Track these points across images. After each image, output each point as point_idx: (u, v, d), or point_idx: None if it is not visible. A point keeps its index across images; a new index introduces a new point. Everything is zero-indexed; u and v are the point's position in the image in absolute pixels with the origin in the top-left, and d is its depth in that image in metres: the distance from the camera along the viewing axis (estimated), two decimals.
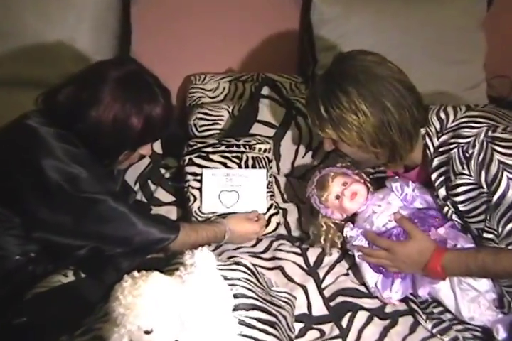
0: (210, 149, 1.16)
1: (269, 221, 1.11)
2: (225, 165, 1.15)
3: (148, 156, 1.18)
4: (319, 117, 0.92)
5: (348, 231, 1.01)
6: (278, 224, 1.13)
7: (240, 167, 1.14)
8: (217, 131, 1.28)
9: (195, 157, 1.15)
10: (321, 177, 1.06)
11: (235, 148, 1.17)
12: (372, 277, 0.98)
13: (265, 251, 1.06)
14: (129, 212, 0.86)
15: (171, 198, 1.19)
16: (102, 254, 0.85)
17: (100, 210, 0.84)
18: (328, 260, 1.03)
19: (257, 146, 1.18)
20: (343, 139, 0.91)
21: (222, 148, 1.17)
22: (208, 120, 1.29)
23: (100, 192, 0.84)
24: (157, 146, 1.23)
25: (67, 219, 0.82)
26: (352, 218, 1.04)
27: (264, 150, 1.18)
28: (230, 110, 1.30)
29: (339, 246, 1.04)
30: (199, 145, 1.17)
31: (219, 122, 1.28)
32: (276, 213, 1.14)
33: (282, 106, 1.26)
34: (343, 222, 1.04)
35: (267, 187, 1.14)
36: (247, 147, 1.17)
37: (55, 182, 0.81)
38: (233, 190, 1.10)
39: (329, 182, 1.03)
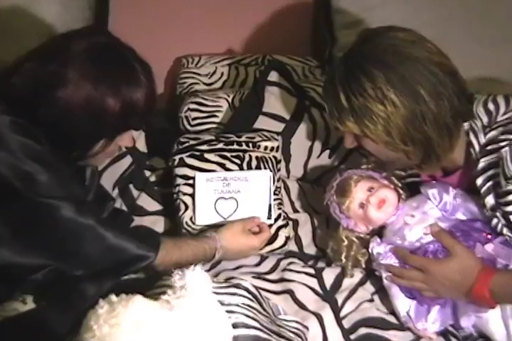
0: (205, 147, 1.16)
1: (276, 234, 1.11)
2: (223, 166, 1.15)
3: (130, 156, 1.19)
4: (338, 107, 0.92)
5: (375, 247, 1.01)
6: (287, 238, 1.12)
7: (241, 169, 1.14)
8: (214, 125, 1.28)
9: (187, 156, 1.15)
10: (341, 180, 1.06)
11: (235, 146, 1.16)
12: (403, 303, 0.97)
13: (271, 271, 1.06)
14: (97, 224, 0.83)
15: (157, 206, 1.20)
16: (66, 278, 0.82)
17: (58, 219, 0.80)
18: (348, 282, 1.03)
19: (263, 144, 1.18)
20: (367, 134, 0.92)
21: (220, 145, 1.17)
22: (202, 112, 1.29)
23: (60, 198, 0.81)
24: (141, 144, 1.24)
25: (12, 229, 0.78)
26: (379, 231, 1.04)
27: (271, 149, 1.18)
28: (230, 100, 1.30)
29: (363, 265, 1.04)
30: (192, 142, 1.17)
31: (216, 114, 1.29)
32: (285, 225, 1.13)
33: (293, 95, 1.26)
34: (368, 236, 1.05)
35: (274, 194, 1.13)
36: (251, 145, 1.17)
37: (4, 181, 0.78)
38: (231, 196, 1.10)
39: (352, 186, 1.03)
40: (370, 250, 1.02)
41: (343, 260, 1.04)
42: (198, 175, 1.08)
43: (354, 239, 1.05)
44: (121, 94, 0.85)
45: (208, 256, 0.97)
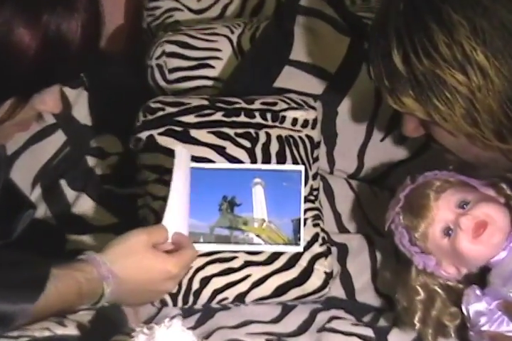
0: (191, 119, 1.14)
1: (309, 269, 1.10)
2: (221, 152, 1.13)
3: (63, 131, 1.18)
4: (390, 72, 0.93)
5: (472, 303, 1.01)
6: (328, 276, 1.11)
7: (252, 158, 1.13)
8: (208, 82, 1.28)
9: (161, 134, 1.13)
10: (414, 190, 1.06)
11: (243, 118, 1.15)
12: None
13: (301, 331, 1.06)
14: None
15: (108, 218, 1.19)
16: None
17: None
18: None
19: (290, 115, 1.16)
20: (438, 120, 0.93)
21: (218, 116, 1.15)
22: (187, 58, 1.29)
23: None
24: (81, 111, 1.23)
25: None
26: (480, 276, 1.04)
27: (304, 124, 1.16)
28: (235, 38, 1.30)
29: (452, 334, 1.04)
30: (169, 109, 1.15)
31: (211, 63, 1.29)
32: (325, 254, 1.12)
33: (343, 31, 1.24)
34: (460, 285, 1.05)
35: (307, 200, 1.13)
36: (269, 116, 1.16)
37: None
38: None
39: (431, 200, 1.03)
40: (463, 308, 1.02)
41: (418, 325, 1.03)
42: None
43: (437, 289, 1.05)
44: (41, 22, 0.82)
45: (87, 294, 0.93)
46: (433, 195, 1.03)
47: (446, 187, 1.03)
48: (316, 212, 1.14)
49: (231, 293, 1.07)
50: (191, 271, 1.06)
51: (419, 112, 0.94)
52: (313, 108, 1.18)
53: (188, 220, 1.03)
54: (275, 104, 1.17)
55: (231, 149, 1.13)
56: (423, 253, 1.04)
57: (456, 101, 0.90)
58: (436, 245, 1.03)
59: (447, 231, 1.01)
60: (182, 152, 1.03)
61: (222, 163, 1.12)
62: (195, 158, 1.09)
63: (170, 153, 1.08)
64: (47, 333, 0.87)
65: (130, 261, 0.96)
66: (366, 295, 1.14)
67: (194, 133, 1.13)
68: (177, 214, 1.01)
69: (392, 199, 1.08)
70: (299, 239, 1.10)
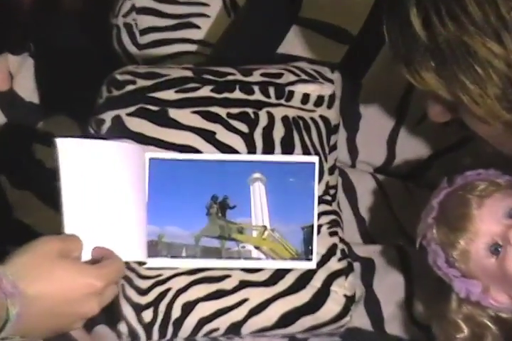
0: (171, 94, 1.14)
1: (324, 292, 1.08)
2: (210, 137, 1.12)
3: (2, 112, 1.19)
4: (408, 38, 0.92)
5: None
6: (349, 300, 1.10)
7: (250, 145, 1.12)
8: (192, 47, 1.30)
9: (131, 114, 1.12)
10: (451, 193, 1.07)
11: (238, 94, 1.14)
12: None
13: None
14: None
15: (60, 223, 1.12)
16: None
17: None
18: None
19: (300, 89, 1.16)
20: (466, 103, 0.92)
21: (205, 91, 1.14)
22: (165, 16, 1.30)
23: None
24: (26, 84, 1.24)
25: None
26: None
27: (318, 102, 1.15)
28: None
29: None
30: (141, 82, 1.14)
31: (195, 22, 1.31)
32: (345, 271, 1.11)
33: None
34: None
35: (322, 202, 1.12)
36: (273, 91, 1.15)
37: None
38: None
39: (472, 208, 1.03)
40: None
41: None
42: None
43: (486, 322, 1.05)
44: None
45: None
46: (475, 202, 1.02)
47: (492, 191, 1.03)
48: (333, 217, 1.12)
49: (223, 323, 1.07)
50: (170, 294, 1.05)
51: (443, 91, 0.92)
52: (330, 81, 1.17)
53: (140, 230, 1.03)
54: (280, 75, 1.16)
55: (222, 135, 1.11)
56: (465, 277, 1.04)
57: (489, 78, 0.88)
58: (480, 266, 1.02)
59: (494, 249, 1.01)
60: (72, 145, 1.00)
61: (210, 154, 1.11)
62: (174, 147, 1.09)
63: (144, 141, 1.08)
64: None
65: (41, 273, 0.93)
66: (398, 325, 1.14)
67: (174, 113, 1.12)
68: (85, 223, 1.00)
69: (425, 209, 1.08)
70: (311, 253, 1.09)
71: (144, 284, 1.08)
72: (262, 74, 1.15)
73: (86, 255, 0.99)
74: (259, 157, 1.11)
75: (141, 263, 1.10)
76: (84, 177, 1.01)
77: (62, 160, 0.99)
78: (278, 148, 1.11)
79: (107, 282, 0.95)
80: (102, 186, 1.01)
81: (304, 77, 1.16)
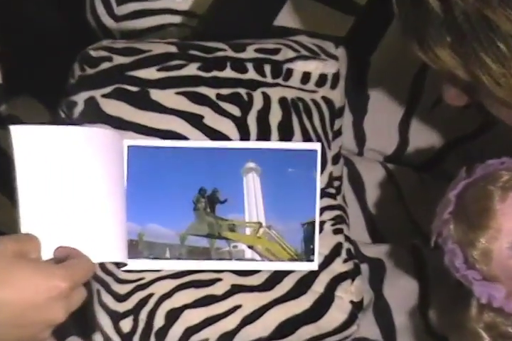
0: (152, 73, 1.11)
1: (327, 299, 1.07)
2: (197, 122, 1.10)
3: None
4: (421, 9, 0.91)
5: None
6: (355, 306, 1.09)
7: (243, 131, 1.10)
8: (176, 19, 1.30)
9: (106, 96, 1.10)
10: (471, 185, 1.07)
11: (229, 73, 1.12)
12: None
13: None
14: None
15: None
16: None
17: None
18: None
19: (298, 67, 1.14)
20: (486, 84, 0.91)
21: (192, 69, 1.12)
22: None
23: None
24: None
25: None
26: None
27: (320, 81, 1.14)
28: None
29: None
30: (119, 59, 1.12)
31: None
32: (352, 273, 1.10)
33: None
34: None
35: (325, 195, 1.11)
36: (269, 69, 1.13)
37: None
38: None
39: (494, 201, 1.03)
40: None
41: None
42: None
43: (510, 331, 1.05)
44: None
45: None
46: (498, 194, 1.02)
47: None
48: (337, 213, 1.11)
49: (213, 333, 1.06)
50: (153, 300, 1.04)
51: (460, 71, 0.91)
52: (334, 57, 1.15)
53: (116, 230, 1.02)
54: (277, 51, 1.13)
55: (211, 119, 1.09)
56: (486, 280, 1.02)
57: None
58: (504, 268, 1.02)
59: None
60: (33, 133, 0.99)
61: (197, 141, 1.09)
62: (157, 132, 1.08)
63: (120, 126, 1.06)
64: None
65: None
66: (411, 335, 1.14)
67: (156, 94, 1.09)
68: (46, 220, 0.98)
69: (440, 203, 1.08)
70: (313, 253, 1.08)
71: (123, 289, 1.07)
72: (257, 50, 1.13)
73: (47, 256, 0.97)
74: (253, 144, 1.10)
75: (120, 265, 1.09)
76: (44, 168, 1.00)
77: (18, 151, 0.98)
78: (275, 133, 1.09)
79: (73, 283, 0.93)
80: (68, 179, 0.99)
81: (304, 53, 1.14)
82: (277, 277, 1.06)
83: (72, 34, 1.30)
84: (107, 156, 1.03)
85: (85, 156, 1.02)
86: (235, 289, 1.05)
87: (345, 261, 1.08)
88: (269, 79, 1.11)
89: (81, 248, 0.99)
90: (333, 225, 1.09)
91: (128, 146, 1.08)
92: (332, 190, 1.11)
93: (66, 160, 1.01)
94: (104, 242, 1.02)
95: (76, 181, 1.00)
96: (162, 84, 1.09)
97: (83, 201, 1.00)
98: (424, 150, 1.26)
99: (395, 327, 1.14)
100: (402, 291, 1.15)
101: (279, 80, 1.11)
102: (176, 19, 1.28)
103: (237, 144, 1.10)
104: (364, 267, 1.13)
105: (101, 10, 1.29)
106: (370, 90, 1.24)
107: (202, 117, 1.08)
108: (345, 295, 1.07)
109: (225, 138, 1.09)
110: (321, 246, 1.07)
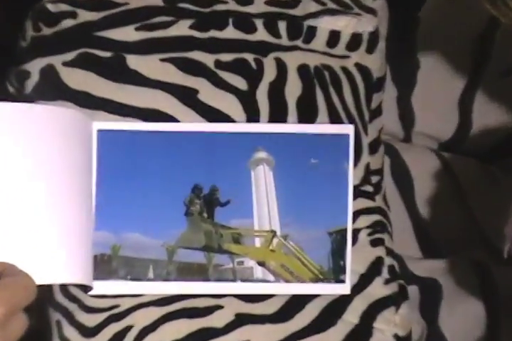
0: (129, 33, 1.07)
1: (366, 330, 1.03)
2: (189, 98, 1.05)
3: None
4: None
5: None
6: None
7: (250, 109, 1.05)
8: None
9: (69, 64, 1.06)
10: None
11: (232, 32, 1.08)
12: None
13: None
14: None
15: None
16: None
17: None
18: None
19: (324, 24, 1.10)
20: None
21: (181, 28, 1.08)
22: None
23: None
24: None
25: None
26: None
27: (353, 44, 1.10)
28: None
29: None
30: (85, 14, 1.08)
31: None
32: (396, 298, 1.05)
33: None
34: None
35: (363, 192, 1.07)
36: (284, 27, 1.08)
37: None
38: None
39: None
40: None
41: None
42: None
43: None
44: None
45: None
46: None
47: None
48: (377, 218, 1.05)
49: None
50: (131, 334, 0.98)
51: None
52: (371, 11, 1.08)
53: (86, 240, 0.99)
54: (295, 3, 1.07)
55: (208, 94, 1.02)
56: None
57: None
58: None
59: None
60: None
61: (190, 123, 1.03)
62: (136, 112, 1.01)
63: (88, 102, 1.01)
64: None
65: None
66: None
67: (135, 62, 1.03)
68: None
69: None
70: (344, 271, 1.02)
71: (92, 320, 1.01)
72: (268, 2, 1.05)
73: None
74: (264, 127, 1.03)
75: (87, 288, 1.03)
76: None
77: None
78: (293, 113, 1.02)
79: (9, 308, 0.87)
80: (14, 172, 0.96)
81: (331, 5, 1.07)
82: (297, 304, 1.00)
83: None
84: (69, 144, 0.98)
85: (39, 144, 0.97)
86: (241, 320, 0.99)
87: (387, 282, 1.02)
88: (284, 41, 1.04)
89: (22, 264, 0.93)
90: (370, 234, 1.03)
91: (98, 130, 1.01)
92: (369, 188, 1.05)
93: (13, 148, 0.95)
94: (60, 259, 0.97)
95: (23, 175, 0.95)
96: (142, 48, 1.02)
97: (31, 200, 0.96)
98: (492, 135, 1.22)
99: None
100: (463, 321, 1.12)
101: (298, 42, 1.04)
102: None
103: (243, 127, 1.03)
104: (413, 290, 1.08)
105: None
106: (420, 55, 1.19)
107: (196, 92, 1.01)
108: (388, 328, 1.01)
109: (227, 119, 1.02)
110: (355, 262, 1.01)
